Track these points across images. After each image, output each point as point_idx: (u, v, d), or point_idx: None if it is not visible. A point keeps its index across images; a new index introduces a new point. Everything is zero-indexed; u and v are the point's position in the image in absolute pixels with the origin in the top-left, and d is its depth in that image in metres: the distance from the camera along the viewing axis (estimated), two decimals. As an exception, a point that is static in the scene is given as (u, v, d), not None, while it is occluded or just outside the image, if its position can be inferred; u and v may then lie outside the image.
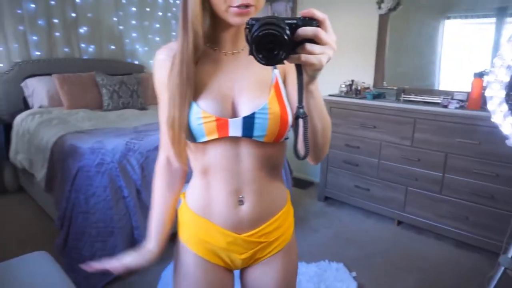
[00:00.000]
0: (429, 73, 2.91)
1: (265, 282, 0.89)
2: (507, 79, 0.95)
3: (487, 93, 0.98)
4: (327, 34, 0.56)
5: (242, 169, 0.80)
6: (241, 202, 0.82)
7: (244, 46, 0.81)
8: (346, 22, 3.17)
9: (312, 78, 0.63)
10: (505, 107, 0.97)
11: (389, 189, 2.73)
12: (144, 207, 2.09)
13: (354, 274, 2.14)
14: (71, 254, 1.87)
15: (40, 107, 3.13)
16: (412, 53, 2.99)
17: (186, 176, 0.94)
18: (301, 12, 0.57)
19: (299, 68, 0.61)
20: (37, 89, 3.17)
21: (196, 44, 0.75)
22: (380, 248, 2.47)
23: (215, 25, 0.78)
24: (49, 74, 3.25)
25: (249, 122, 0.75)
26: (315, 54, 0.56)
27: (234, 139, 0.77)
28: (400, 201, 2.68)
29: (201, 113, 0.75)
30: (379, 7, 2.87)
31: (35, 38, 3.34)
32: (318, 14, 0.56)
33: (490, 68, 0.95)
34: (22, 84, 3.17)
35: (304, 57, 0.56)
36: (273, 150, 0.81)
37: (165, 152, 0.90)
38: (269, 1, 3.60)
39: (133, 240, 2.05)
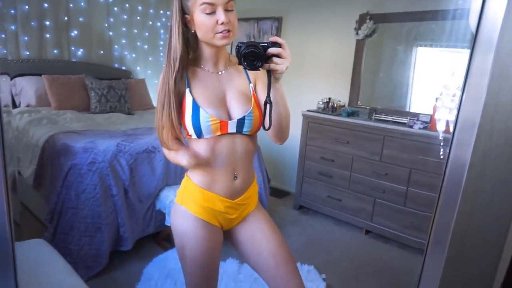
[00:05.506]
0: (400, 95, 3.18)
1: (253, 228, 1.21)
2: (452, 106, 1.17)
3: (436, 116, 1.19)
4: (285, 52, 0.95)
5: (236, 153, 1.13)
6: (235, 177, 1.14)
7: (223, 68, 1.15)
8: (326, 45, 3.43)
9: (277, 79, 1.00)
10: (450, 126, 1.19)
11: (359, 200, 2.95)
12: (131, 206, 2.21)
13: (323, 276, 2.33)
14: (58, 248, 1.95)
15: (28, 106, 3.19)
16: (385, 76, 3.26)
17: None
18: (270, 39, 0.95)
19: (269, 72, 0.98)
20: (25, 88, 3.24)
21: (176, 74, 1.05)
22: (348, 254, 2.67)
23: (201, 52, 1.12)
24: (38, 75, 3.32)
25: (240, 122, 1.10)
26: (278, 64, 0.94)
27: (231, 134, 1.11)
28: (369, 212, 2.91)
29: (210, 118, 1.07)
30: (357, 33, 3.14)
31: (26, 38, 3.42)
32: (280, 40, 0.95)
33: (439, 96, 1.17)
34: (11, 83, 3.23)
35: (272, 66, 0.95)
36: (253, 139, 1.17)
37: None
38: (256, 20, 3.83)
39: (119, 237, 2.16)
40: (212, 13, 1.01)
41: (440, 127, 1.16)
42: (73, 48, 3.78)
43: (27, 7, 3.36)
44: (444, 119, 1.12)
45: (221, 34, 1.02)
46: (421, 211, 2.62)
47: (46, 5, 3.48)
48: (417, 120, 2.68)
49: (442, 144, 1.19)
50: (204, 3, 0.99)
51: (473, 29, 0.63)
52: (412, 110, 3.00)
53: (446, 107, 1.11)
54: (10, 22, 3.28)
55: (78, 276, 1.29)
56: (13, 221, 0.63)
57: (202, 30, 1.03)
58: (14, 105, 3.23)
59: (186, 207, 1.15)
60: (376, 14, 3.05)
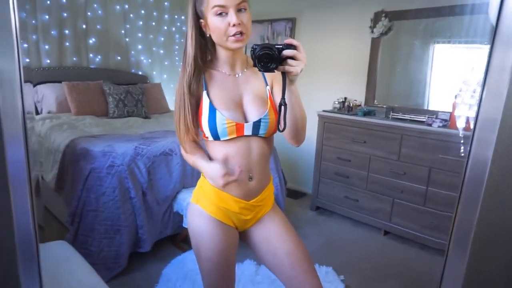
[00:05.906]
0: (417, 94, 3.12)
1: (268, 229, 1.21)
2: (472, 102, 1.14)
3: (456, 113, 1.17)
4: (300, 54, 0.93)
5: (252, 155, 1.13)
6: (250, 178, 1.15)
7: (240, 70, 1.15)
8: (341, 44, 3.41)
9: (292, 81, 0.99)
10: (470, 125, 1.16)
11: (377, 201, 2.91)
12: (149, 208, 2.24)
13: (342, 277, 2.30)
14: (79, 249, 1.99)
15: (49, 112, 3.29)
16: (402, 74, 3.21)
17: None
18: (285, 41, 0.93)
19: (284, 75, 0.96)
20: (46, 95, 3.33)
21: (190, 77, 1.08)
22: (366, 255, 2.63)
23: (218, 55, 1.13)
24: (58, 82, 3.41)
25: (256, 125, 1.11)
26: (293, 66, 0.93)
27: (247, 136, 1.11)
28: (387, 212, 2.86)
29: (226, 120, 1.08)
30: (372, 32, 3.10)
31: (46, 47, 3.52)
32: (295, 42, 0.93)
33: (458, 92, 1.15)
34: (33, 90, 3.33)
35: (287, 68, 0.93)
36: (268, 141, 1.17)
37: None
38: (270, 21, 3.83)
39: (137, 239, 2.19)
40: (224, 15, 1.01)
41: (460, 124, 1.14)
42: (91, 55, 3.87)
43: (47, 16, 3.46)
44: (464, 116, 1.09)
45: (233, 37, 1.02)
46: (440, 211, 2.56)
47: (65, 14, 3.59)
48: (436, 118, 2.62)
49: (462, 141, 1.16)
50: (216, 5, 1.01)
51: (493, 22, 0.61)
52: (430, 108, 2.94)
53: (466, 104, 1.08)
54: (31, 32, 3.39)
55: (99, 277, 1.32)
56: (37, 224, 0.64)
57: (216, 33, 1.05)
58: (37, 112, 3.33)
59: (202, 206, 1.16)
60: (391, 12, 3.01)
